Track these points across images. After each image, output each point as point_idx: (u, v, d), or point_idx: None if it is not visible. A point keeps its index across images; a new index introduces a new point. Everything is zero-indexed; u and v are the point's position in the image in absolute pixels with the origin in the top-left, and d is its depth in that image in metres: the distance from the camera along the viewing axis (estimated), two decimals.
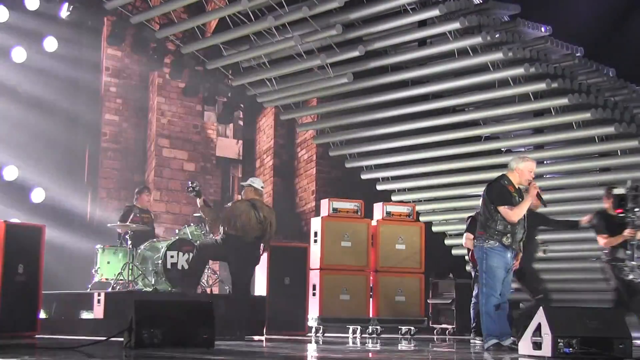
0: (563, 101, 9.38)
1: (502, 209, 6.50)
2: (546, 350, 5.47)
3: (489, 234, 6.55)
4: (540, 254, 8.65)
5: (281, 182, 13.44)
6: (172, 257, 8.78)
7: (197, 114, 13.23)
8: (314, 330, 9.04)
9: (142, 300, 6.41)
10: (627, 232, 7.38)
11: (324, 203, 9.48)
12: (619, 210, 7.43)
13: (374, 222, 9.53)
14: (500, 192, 6.59)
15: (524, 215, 6.63)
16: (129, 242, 9.00)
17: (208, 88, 12.07)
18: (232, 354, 5.94)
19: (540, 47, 10.07)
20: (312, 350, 6.92)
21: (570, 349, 5.40)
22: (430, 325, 10.39)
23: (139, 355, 5.38)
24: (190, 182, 8.22)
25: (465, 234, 8.55)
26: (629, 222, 7.35)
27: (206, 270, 9.08)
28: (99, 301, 8.15)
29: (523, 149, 10.47)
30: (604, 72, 10.35)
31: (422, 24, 9.90)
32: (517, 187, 6.65)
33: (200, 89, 12.11)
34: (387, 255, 9.43)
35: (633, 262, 7.31)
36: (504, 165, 7.73)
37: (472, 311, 8.61)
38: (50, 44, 10.80)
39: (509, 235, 6.51)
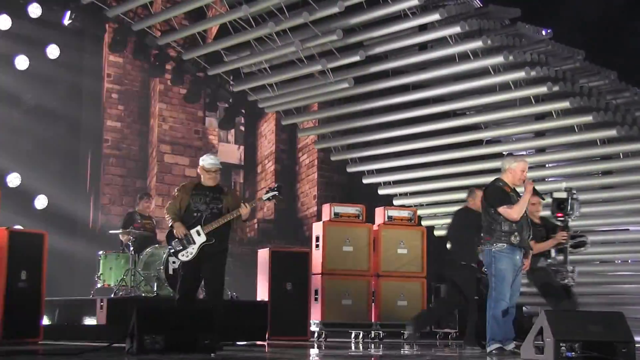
0: (564, 104, 9.39)
1: (502, 209, 6.50)
2: (548, 354, 5.46)
3: (496, 237, 6.54)
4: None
5: (283, 187, 13.42)
6: (173, 262, 8.76)
7: (198, 119, 13.25)
8: (316, 335, 9.04)
9: (143, 306, 6.44)
10: (559, 235, 7.28)
11: (326, 208, 9.48)
12: (559, 215, 7.20)
13: (375, 227, 9.52)
14: (497, 194, 6.60)
15: (526, 215, 6.63)
16: (131, 248, 9.01)
17: (209, 94, 12.10)
18: None
19: (541, 50, 10.08)
20: (314, 355, 6.92)
21: (573, 353, 5.39)
22: (433, 329, 10.37)
23: None
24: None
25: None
26: (561, 225, 7.24)
27: None
28: (101, 307, 8.16)
29: (524, 153, 10.46)
30: (605, 75, 10.36)
31: (423, 28, 9.92)
32: (512, 187, 6.67)
33: (202, 94, 12.14)
34: (388, 260, 9.42)
35: (568, 266, 7.23)
36: None
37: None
38: (53, 51, 10.83)
39: (516, 234, 6.50)
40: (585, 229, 10.21)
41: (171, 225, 6.65)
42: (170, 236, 6.65)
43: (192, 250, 6.58)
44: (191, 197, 6.65)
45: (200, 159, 6.90)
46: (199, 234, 6.56)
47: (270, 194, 6.88)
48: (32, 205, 10.65)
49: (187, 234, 6.54)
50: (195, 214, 6.61)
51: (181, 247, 6.59)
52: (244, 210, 6.65)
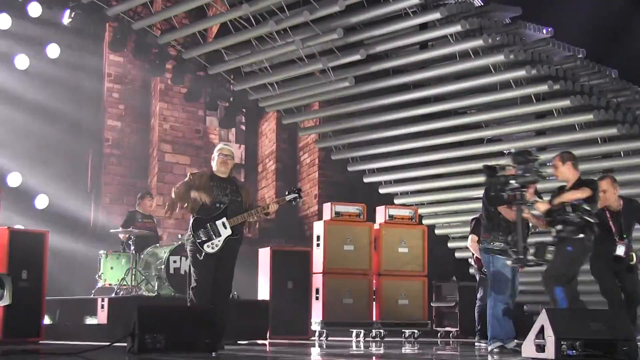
0: (565, 103, 9.38)
1: (502, 209, 6.50)
2: (549, 352, 5.45)
3: (494, 235, 6.55)
4: None
5: (283, 186, 13.41)
6: (174, 262, 8.78)
7: (199, 119, 13.25)
8: (317, 334, 9.04)
9: (144, 306, 6.44)
10: None
11: (327, 207, 9.48)
12: None
13: (376, 226, 9.52)
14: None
15: None
16: (132, 248, 9.02)
17: (210, 93, 12.09)
18: (235, 359, 5.95)
19: (542, 49, 10.08)
20: (315, 354, 6.92)
21: (574, 351, 5.38)
22: (434, 328, 10.38)
23: None
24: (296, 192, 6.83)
25: (470, 236, 8.55)
26: None
27: None
28: (102, 306, 8.17)
29: None
30: (606, 73, 10.35)
31: (424, 27, 9.91)
32: None
33: (202, 94, 12.14)
34: (389, 259, 9.42)
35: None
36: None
37: (476, 314, 8.60)
38: (53, 50, 10.84)
39: (513, 233, 6.50)
40: None
41: (189, 207, 6.35)
42: (196, 225, 6.39)
43: (219, 242, 6.36)
44: (210, 188, 6.46)
45: (215, 148, 6.75)
46: (225, 227, 6.37)
47: (292, 196, 6.74)
48: (33, 205, 10.66)
49: (212, 210, 6.29)
50: (217, 205, 6.42)
51: (206, 238, 6.36)
52: (273, 207, 6.58)
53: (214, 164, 6.64)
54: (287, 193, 6.80)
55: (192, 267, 6.49)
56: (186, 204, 6.43)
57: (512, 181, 6.21)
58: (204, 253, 6.37)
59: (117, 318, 7.84)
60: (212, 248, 6.36)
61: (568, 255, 6.24)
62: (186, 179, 6.54)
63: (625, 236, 6.68)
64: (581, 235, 6.21)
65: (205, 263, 6.39)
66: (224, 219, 6.39)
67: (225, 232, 6.38)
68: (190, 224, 6.45)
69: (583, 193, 6.23)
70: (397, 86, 10.57)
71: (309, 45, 10.07)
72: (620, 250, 6.63)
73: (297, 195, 6.75)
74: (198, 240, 6.37)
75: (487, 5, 10.55)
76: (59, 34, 10.81)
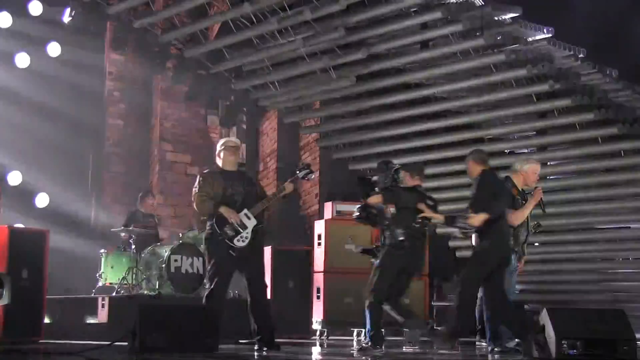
0: (566, 102, 9.37)
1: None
2: (550, 352, 5.46)
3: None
4: None
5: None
6: (175, 261, 8.79)
7: (200, 117, 13.25)
8: (318, 333, 9.04)
9: (145, 305, 6.44)
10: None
11: (328, 206, 9.49)
12: None
13: None
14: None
15: (527, 218, 6.63)
16: (133, 247, 9.02)
17: (211, 92, 12.08)
18: (236, 358, 5.95)
19: (543, 48, 10.07)
20: (316, 353, 6.92)
21: (574, 351, 5.39)
22: (435, 327, 10.37)
23: None
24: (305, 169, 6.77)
25: (474, 235, 8.52)
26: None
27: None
28: (103, 306, 8.17)
29: (526, 151, 10.47)
30: (606, 72, 10.34)
31: (424, 26, 9.90)
32: (520, 189, 6.65)
33: (204, 92, 12.13)
34: None
35: None
36: (507, 167, 7.75)
37: (477, 313, 8.59)
38: (54, 49, 10.86)
39: (511, 238, 6.51)
40: (586, 226, 10.24)
41: (211, 216, 6.30)
42: (220, 222, 6.30)
43: (247, 234, 6.30)
44: (226, 182, 6.41)
45: (218, 144, 6.71)
46: (248, 218, 6.31)
47: (305, 171, 6.71)
48: (34, 204, 10.67)
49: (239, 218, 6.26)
50: (236, 198, 6.39)
51: (234, 233, 6.28)
52: (290, 186, 6.55)
53: (220, 159, 6.61)
54: (298, 171, 6.73)
55: (213, 268, 6.37)
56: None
57: (376, 188, 6.70)
58: (236, 249, 6.29)
59: (118, 317, 7.84)
60: (243, 241, 6.29)
61: (375, 268, 6.63)
62: (201, 185, 6.43)
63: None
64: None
65: (231, 263, 6.33)
66: (246, 210, 6.33)
67: (251, 223, 6.32)
68: (214, 223, 6.35)
69: (378, 199, 6.73)
70: (398, 85, 10.56)
71: (311, 44, 10.07)
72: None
73: (308, 170, 6.70)
74: (227, 238, 6.29)
75: (488, 4, 10.54)
76: (60, 32, 10.81)
